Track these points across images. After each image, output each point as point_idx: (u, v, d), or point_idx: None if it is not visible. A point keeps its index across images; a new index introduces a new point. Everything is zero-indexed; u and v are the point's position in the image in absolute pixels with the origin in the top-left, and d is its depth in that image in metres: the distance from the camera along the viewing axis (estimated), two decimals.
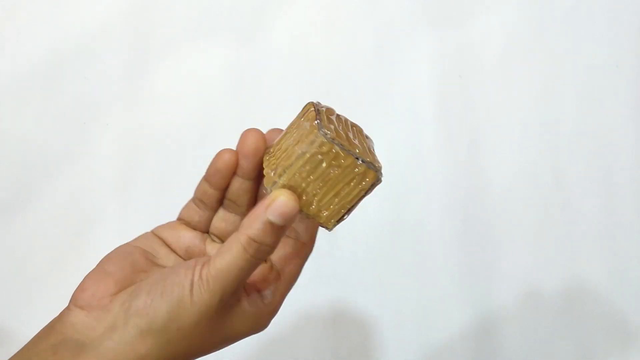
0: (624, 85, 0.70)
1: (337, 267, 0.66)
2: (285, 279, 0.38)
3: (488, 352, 0.65)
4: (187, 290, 0.33)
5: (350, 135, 0.36)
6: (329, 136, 0.34)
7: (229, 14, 0.71)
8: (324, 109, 0.36)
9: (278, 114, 0.67)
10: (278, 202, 0.33)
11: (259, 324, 0.37)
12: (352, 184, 0.35)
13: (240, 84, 0.70)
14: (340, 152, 0.34)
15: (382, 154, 0.68)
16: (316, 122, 0.35)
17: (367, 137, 0.38)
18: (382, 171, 0.35)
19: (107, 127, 0.68)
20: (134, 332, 0.33)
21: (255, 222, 0.33)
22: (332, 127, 0.35)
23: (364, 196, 0.35)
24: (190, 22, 0.71)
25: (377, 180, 0.35)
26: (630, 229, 0.68)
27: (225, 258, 0.33)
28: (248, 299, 0.36)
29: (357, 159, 0.34)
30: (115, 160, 0.67)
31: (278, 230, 0.33)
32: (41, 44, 0.69)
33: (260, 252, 0.33)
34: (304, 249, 0.38)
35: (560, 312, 0.66)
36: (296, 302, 0.64)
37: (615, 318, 0.66)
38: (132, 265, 0.37)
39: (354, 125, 0.38)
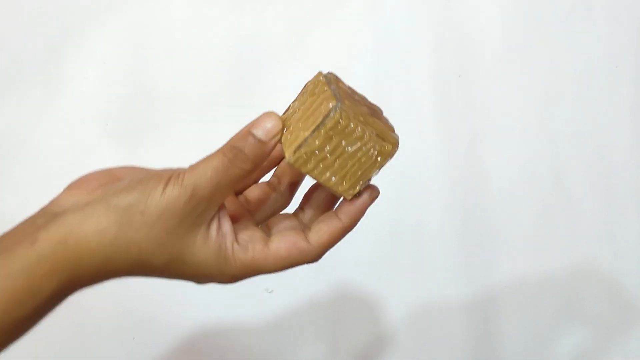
0: (624, 85, 0.70)
1: (337, 267, 0.66)
2: (272, 254, 0.37)
3: (487, 352, 0.65)
4: (162, 183, 0.35)
5: (356, 97, 0.37)
6: (327, 74, 0.35)
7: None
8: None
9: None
10: (262, 117, 0.36)
11: (220, 267, 0.37)
12: (320, 116, 0.34)
13: (240, 83, 0.69)
14: (324, 83, 0.35)
15: None
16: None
17: (378, 113, 0.38)
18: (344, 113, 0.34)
19: (106, 127, 0.68)
20: (100, 207, 0.35)
21: (239, 133, 0.35)
22: (336, 80, 0.36)
23: (319, 128, 0.34)
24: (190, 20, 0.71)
25: (335, 110, 0.33)
26: (629, 229, 0.68)
27: (204, 161, 0.36)
28: (219, 230, 0.36)
29: (333, 94, 0.34)
30: (115, 161, 0.67)
31: (258, 144, 0.35)
32: (41, 41, 0.69)
33: (237, 159, 0.35)
34: (306, 247, 0.38)
35: (559, 312, 0.66)
36: (296, 300, 0.65)
37: (614, 317, 0.67)
38: (138, 173, 0.39)
39: (374, 106, 0.38)
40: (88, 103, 0.68)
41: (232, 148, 0.35)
